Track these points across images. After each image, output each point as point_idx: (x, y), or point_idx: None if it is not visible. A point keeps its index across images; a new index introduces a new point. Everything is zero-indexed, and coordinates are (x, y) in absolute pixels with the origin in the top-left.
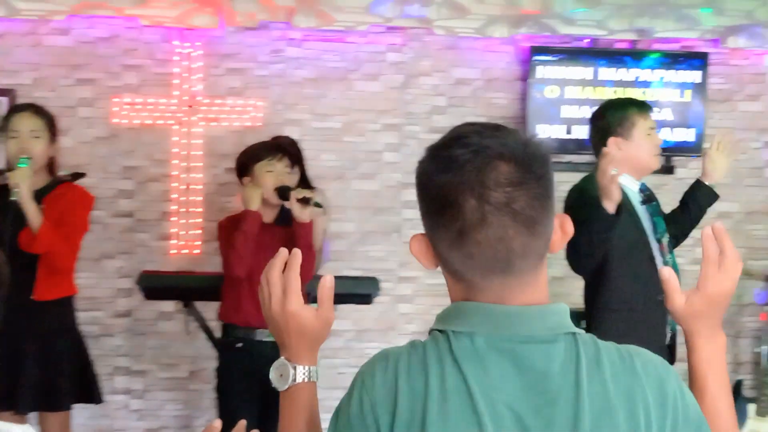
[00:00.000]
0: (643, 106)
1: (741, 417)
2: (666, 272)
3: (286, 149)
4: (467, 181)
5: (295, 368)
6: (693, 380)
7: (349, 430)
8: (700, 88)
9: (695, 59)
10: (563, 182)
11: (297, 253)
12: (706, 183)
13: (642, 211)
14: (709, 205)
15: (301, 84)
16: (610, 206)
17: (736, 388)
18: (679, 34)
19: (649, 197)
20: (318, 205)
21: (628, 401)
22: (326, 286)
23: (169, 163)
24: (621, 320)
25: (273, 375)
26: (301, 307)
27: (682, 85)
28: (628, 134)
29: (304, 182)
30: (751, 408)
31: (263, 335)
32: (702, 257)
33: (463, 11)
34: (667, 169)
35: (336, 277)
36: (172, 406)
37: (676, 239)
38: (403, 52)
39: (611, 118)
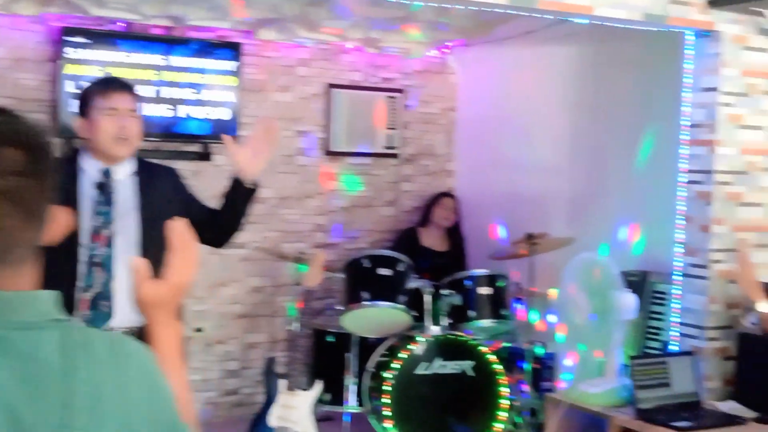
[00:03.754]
0: (108, 84)
1: (273, 392)
2: (135, 262)
3: None
4: None
5: None
6: None
7: None
8: (234, 77)
9: (229, 49)
10: None
11: None
12: (245, 180)
13: (90, 196)
14: (249, 201)
15: None
16: None
17: (269, 365)
18: (212, 23)
19: (103, 185)
20: None
21: (118, 386)
22: None
23: None
24: None
25: None
26: None
27: (218, 74)
28: (89, 114)
29: None
30: (283, 383)
31: None
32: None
33: None
34: (203, 156)
35: None
36: None
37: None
38: None
39: (79, 100)
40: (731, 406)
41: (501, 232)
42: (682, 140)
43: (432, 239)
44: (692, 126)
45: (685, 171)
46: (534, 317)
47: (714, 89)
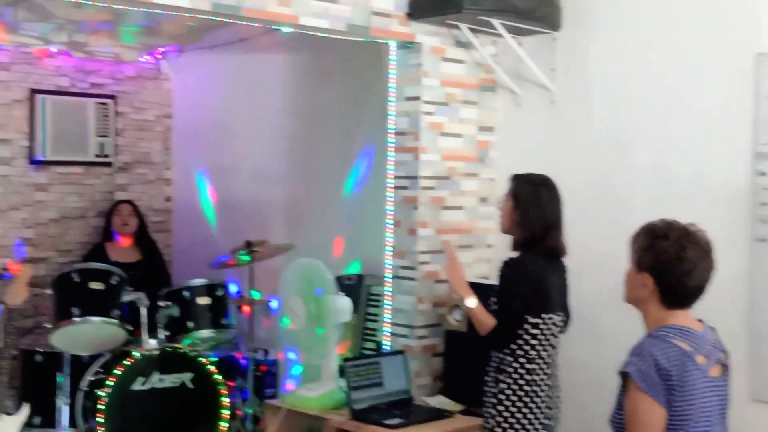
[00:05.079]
0: None
1: None
2: None
3: None
4: None
5: None
6: None
7: None
8: None
9: None
10: None
11: None
12: None
13: None
14: None
15: None
16: None
17: None
18: None
19: None
20: None
21: None
22: None
23: None
24: None
25: None
26: None
27: None
28: None
29: None
30: None
31: None
32: None
33: None
34: None
35: None
36: None
37: None
38: None
39: None
40: (440, 401)
41: (219, 240)
42: (390, 148)
43: (120, 252)
44: (397, 134)
45: (393, 177)
46: (256, 324)
47: (417, 98)
